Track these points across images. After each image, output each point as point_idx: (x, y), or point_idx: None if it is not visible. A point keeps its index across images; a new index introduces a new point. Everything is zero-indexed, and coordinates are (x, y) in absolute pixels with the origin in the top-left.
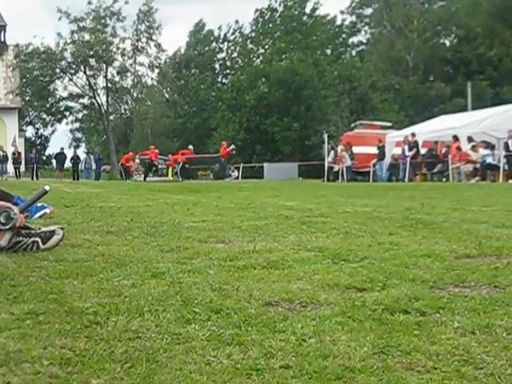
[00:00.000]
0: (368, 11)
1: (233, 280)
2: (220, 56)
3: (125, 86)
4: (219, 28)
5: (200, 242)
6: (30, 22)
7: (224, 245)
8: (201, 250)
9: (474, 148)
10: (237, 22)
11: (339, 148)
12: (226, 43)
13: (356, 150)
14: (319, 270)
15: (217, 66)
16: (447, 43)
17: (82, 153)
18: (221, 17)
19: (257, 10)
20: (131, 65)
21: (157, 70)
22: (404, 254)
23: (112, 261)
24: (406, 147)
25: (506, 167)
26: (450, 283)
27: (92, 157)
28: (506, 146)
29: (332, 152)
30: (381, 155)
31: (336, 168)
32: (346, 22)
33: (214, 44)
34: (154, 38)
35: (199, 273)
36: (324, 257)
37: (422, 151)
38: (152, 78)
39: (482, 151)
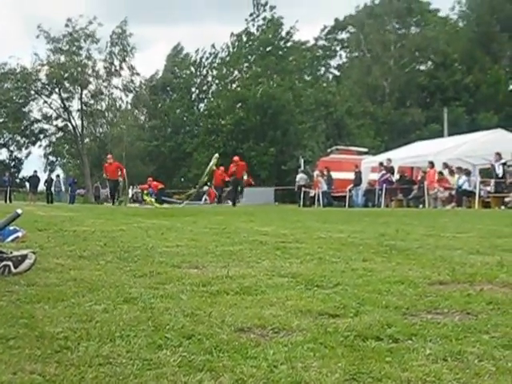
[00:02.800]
0: (343, 35)
1: (205, 306)
2: (197, 80)
3: (99, 108)
4: (196, 52)
5: (173, 267)
6: (7, 41)
7: (197, 270)
8: (174, 276)
9: (449, 174)
10: (213, 46)
11: (315, 173)
12: (202, 67)
13: (332, 175)
14: (292, 295)
15: (193, 89)
16: (424, 69)
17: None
18: (202, 39)
19: (232, 34)
20: (106, 87)
21: (131, 94)
22: (377, 281)
23: (84, 286)
24: (382, 173)
25: (482, 193)
26: (422, 310)
27: (61, 179)
28: (493, 169)
29: (301, 175)
30: (357, 181)
31: (312, 193)
32: (323, 46)
33: (191, 68)
34: (127, 60)
35: (171, 298)
36: (297, 283)
37: (398, 177)
38: (127, 102)
39: (458, 177)
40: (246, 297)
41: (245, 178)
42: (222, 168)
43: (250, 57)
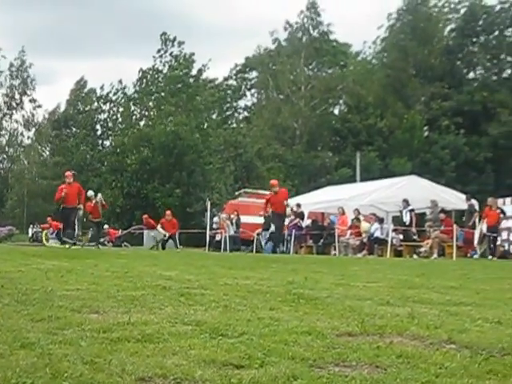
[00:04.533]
0: (253, 74)
1: (105, 353)
2: (102, 116)
3: None
4: (101, 87)
5: (73, 312)
6: None
7: (98, 315)
8: (73, 321)
9: (361, 221)
10: (120, 81)
11: (222, 216)
12: (108, 103)
13: (244, 219)
14: (196, 344)
15: (98, 126)
16: (336, 112)
17: None
18: (110, 74)
19: (140, 70)
20: (6, 121)
21: (34, 129)
22: (284, 331)
23: None
24: (291, 218)
25: (394, 241)
26: (330, 362)
27: None
28: (401, 216)
29: (214, 219)
30: (266, 225)
31: (218, 237)
32: (232, 86)
33: (95, 103)
34: (28, 93)
35: (71, 344)
36: (201, 331)
37: (308, 222)
38: (29, 137)
39: (371, 224)
40: (147, 345)
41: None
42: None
43: (157, 94)
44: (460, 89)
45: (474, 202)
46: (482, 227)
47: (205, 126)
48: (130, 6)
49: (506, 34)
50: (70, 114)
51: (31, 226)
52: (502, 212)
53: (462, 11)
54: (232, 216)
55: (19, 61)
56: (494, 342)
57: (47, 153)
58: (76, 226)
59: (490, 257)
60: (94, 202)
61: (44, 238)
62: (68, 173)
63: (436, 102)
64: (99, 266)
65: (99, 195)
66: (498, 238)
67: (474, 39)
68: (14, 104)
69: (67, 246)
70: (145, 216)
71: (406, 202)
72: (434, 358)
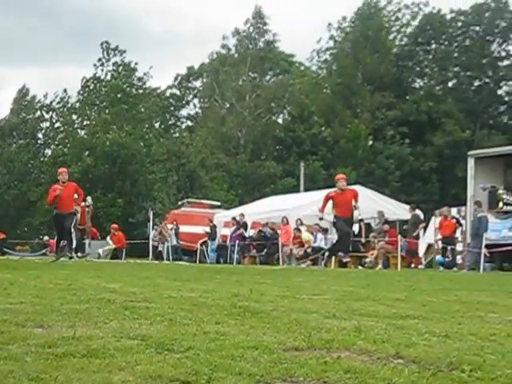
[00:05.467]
0: (197, 83)
1: (51, 369)
2: (44, 125)
3: None
4: (45, 96)
5: (17, 326)
6: None
7: (42, 330)
8: (17, 335)
9: (302, 231)
10: (65, 90)
11: (166, 226)
12: (50, 112)
13: (183, 228)
14: (142, 360)
15: (40, 135)
16: (280, 121)
17: None
18: (54, 82)
19: (83, 79)
20: None
21: None
22: (231, 345)
23: None
24: (234, 228)
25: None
26: (277, 377)
27: None
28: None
29: (156, 230)
30: (212, 235)
31: (160, 247)
32: (175, 95)
33: (38, 112)
34: None
35: (16, 360)
36: (147, 346)
37: (251, 232)
38: None
39: (314, 234)
40: (93, 360)
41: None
42: None
43: (99, 103)
44: (405, 98)
45: (418, 212)
46: (436, 237)
47: (148, 136)
48: (76, 13)
49: (455, 43)
50: (14, 123)
51: None
52: (458, 222)
53: (416, 20)
54: (171, 226)
55: None
56: (441, 356)
57: None
58: (73, 235)
59: (441, 268)
60: (82, 205)
61: None
62: (62, 169)
63: (381, 112)
64: (42, 277)
65: (89, 198)
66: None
67: (427, 47)
68: None
69: (64, 259)
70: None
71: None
72: (382, 374)
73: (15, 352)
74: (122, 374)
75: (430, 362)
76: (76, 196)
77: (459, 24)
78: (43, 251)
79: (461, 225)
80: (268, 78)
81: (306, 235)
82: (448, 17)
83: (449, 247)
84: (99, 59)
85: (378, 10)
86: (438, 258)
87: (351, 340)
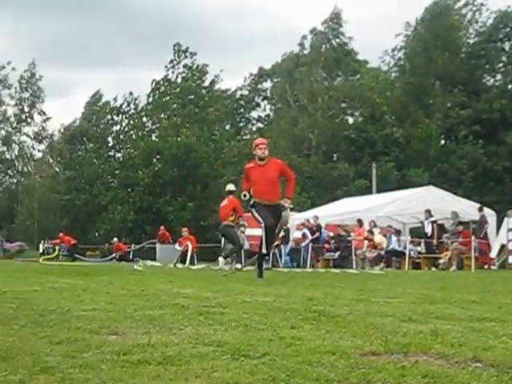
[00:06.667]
0: (267, 85)
1: (127, 377)
2: (114, 129)
3: (9, 157)
4: (115, 99)
5: (91, 334)
6: None
7: (117, 337)
8: (92, 343)
9: (374, 233)
10: (131, 93)
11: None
12: (120, 115)
13: (251, 232)
14: (218, 366)
15: (110, 139)
16: (352, 122)
17: None
18: (127, 85)
19: (153, 81)
20: (15, 135)
21: (45, 142)
22: (307, 351)
23: None
24: (307, 231)
25: (412, 253)
26: (355, 383)
27: None
28: (423, 227)
29: None
30: (286, 238)
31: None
32: (246, 96)
33: (109, 116)
34: (37, 106)
35: (91, 368)
36: (223, 352)
37: (331, 235)
38: (39, 150)
39: (388, 237)
40: (169, 367)
41: None
42: None
43: (169, 106)
44: (478, 97)
45: (485, 212)
46: (509, 238)
47: (218, 138)
48: (144, 16)
49: None
50: (85, 128)
51: (42, 241)
52: None
53: (483, 16)
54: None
55: (29, 73)
56: None
57: (59, 167)
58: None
59: None
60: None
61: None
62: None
63: (454, 111)
64: (114, 283)
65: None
66: None
67: (500, 45)
68: (23, 117)
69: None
70: (162, 227)
71: (428, 213)
72: (460, 378)
73: (90, 360)
74: (199, 381)
75: (509, 366)
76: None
77: None
78: (113, 255)
79: None
80: (340, 79)
81: (378, 238)
82: None
83: None
84: (170, 61)
85: (449, 8)
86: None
87: (428, 344)
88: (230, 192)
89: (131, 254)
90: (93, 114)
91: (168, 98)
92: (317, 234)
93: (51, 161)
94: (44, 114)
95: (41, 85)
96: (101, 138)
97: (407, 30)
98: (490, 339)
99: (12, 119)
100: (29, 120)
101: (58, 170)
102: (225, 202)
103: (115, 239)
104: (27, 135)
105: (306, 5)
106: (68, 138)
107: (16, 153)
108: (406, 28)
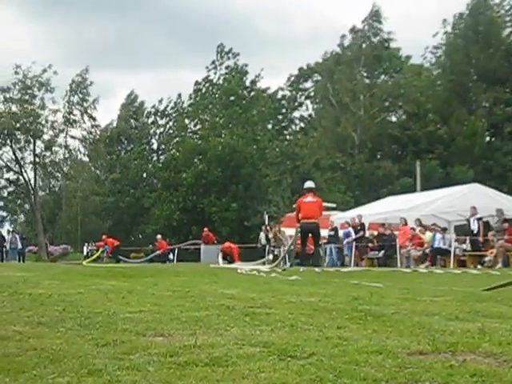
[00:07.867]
0: (308, 85)
1: (174, 378)
2: (157, 130)
3: (54, 160)
4: (160, 101)
5: (137, 335)
6: None
7: (163, 338)
8: (139, 345)
9: (423, 231)
10: (179, 95)
11: (278, 229)
12: (165, 116)
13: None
14: (265, 367)
15: (153, 140)
16: (395, 120)
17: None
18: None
19: (196, 83)
20: (61, 138)
21: (89, 145)
22: (354, 350)
23: (45, 356)
24: (352, 229)
25: (457, 251)
26: (403, 382)
27: (18, 236)
28: (469, 224)
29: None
30: (333, 238)
31: (276, 251)
32: (287, 96)
33: (152, 117)
34: (88, 111)
35: (138, 370)
36: (270, 353)
37: (375, 234)
38: (81, 152)
39: (433, 235)
40: (216, 368)
41: None
42: None
43: (211, 107)
44: None
45: None
46: None
47: (261, 139)
48: (187, 17)
49: None
50: (122, 129)
51: (86, 244)
52: None
53: None
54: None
55: (80, 77)
56: None
57: (101, 169)
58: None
59: None
60: None
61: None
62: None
63: (499, 108)
64: (159, 285)
65: None
66: None
67: None
68: (71, 120)
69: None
70: (205, 229)
71: (474, 210)
72: (510, 376)
73: (137, 362)
74: (246, 381)
75: None
76: None
77: None
78: (156, 253)
79: None
80: (382, 76)
81: (428, 235)
82: None
83: None
84: (212, 62)
85: (490, 4)
86: None
87: (476, 342)
88: (310, 189)
89: (171, 253)
90: (131, 116)
91: (210, 99)
92: (361, 233)
93: (90, 163)
94: (94, 119)
95: (91, 91)
96: (144, 138)
97: (445, 27)
98: None
99: (59, 122)
100: (78, 124)
101: (98, 172)
102: (310, 199)
103: (159, 236)
104: (74, 138)
105: (346, 3)
106: (107, 140)
107: (61, 156)
108: (444, 25)
